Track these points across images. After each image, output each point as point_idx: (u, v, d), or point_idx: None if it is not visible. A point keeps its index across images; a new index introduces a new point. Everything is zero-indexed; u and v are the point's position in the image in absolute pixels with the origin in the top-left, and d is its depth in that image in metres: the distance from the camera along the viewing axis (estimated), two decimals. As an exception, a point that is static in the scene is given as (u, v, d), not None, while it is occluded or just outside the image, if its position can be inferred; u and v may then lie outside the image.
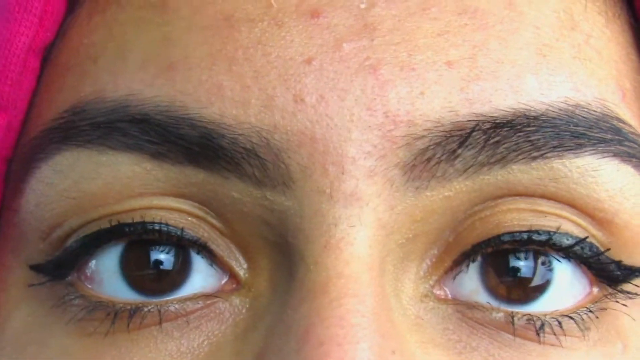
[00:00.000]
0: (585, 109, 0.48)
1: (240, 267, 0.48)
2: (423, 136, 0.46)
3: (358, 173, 0.46)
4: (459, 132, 0.46)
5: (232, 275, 0.48)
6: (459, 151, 0.46)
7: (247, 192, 0.47)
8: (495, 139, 0.46)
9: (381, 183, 0.46)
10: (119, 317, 0.48)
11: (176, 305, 0.48)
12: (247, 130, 0.46)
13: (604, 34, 0.50)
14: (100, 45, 0.49)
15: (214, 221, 0.48)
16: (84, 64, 0.49)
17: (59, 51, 0.51)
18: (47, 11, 0.50)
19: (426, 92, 0.46)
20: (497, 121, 0.46)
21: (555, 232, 0.48)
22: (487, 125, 0.46)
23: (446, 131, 0.46)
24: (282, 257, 0.47)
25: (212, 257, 0.48)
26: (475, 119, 0.46)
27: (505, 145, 0.47)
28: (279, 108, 0.46)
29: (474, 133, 0.46)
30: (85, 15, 0.51)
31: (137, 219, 0.48)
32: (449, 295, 0.48)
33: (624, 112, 0.49)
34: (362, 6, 0.48)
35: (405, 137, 0.46)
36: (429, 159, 0.46)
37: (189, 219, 0.48)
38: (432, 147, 0.46)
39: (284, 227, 0.47)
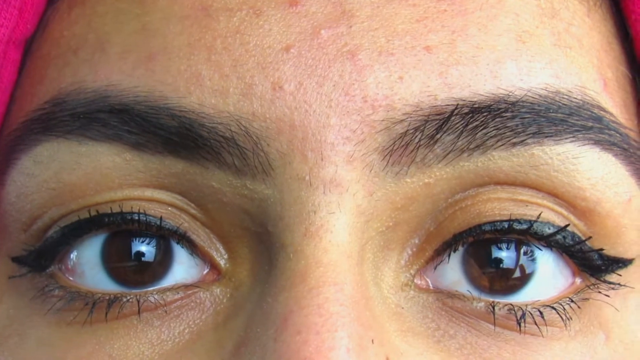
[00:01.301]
0: (565, 96, 0.48)
1: (221, 257, 0.48)
2: (402, 120, 0.46)
3: (337, 159, 0.46)
4: (438, 117, 0.46)
5: (213, 266, 0.48)
6: (438, 136, 0.46)
7: (226, 182, 0.47)
8: (474, 124, 0.46)
9: (360, 168, 0.46)
10: (97, 307, 0.48)
11: (155, 296, 0.48)
12: (226, 119, 0.46)
13: (585, 22, 0.50)
14: (81, 37, 0.49)
15: (194, 211, 0.48)
16: (65, 56, 0.49)
17: (40, 43, 0.51)
18: (27, 3, 0.51)
19: (405, 77, 0.46)
20: (476, 106, 0.46)
21: (535, 221, 0.48)
22: (466, 110, 0.46)
23: (425, 115, 0.46)
24: (262, 246, 0.47)
25: (193, 247, 0.48)
26: (454, 103, 0.46)
27: (484, 131, 0.46)
28: (257, 96, 0.46)
29: (453, 117, 0.46)
30: (66, 7, 0.51)
31: (116, 210, 0.48)
32: (430, 286, 0.48)
33: (605, 100, 0.49)
34: None
35: (384, 122, 0.46)
36: (407, 144, 0.46)
37: (169, 209, 0.48)
38: (411, 131, 0.46)
39: (264, 215, 0.47)
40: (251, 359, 0.45)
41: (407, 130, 0.46)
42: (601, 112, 0.49)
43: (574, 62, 0.49)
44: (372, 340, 0.45)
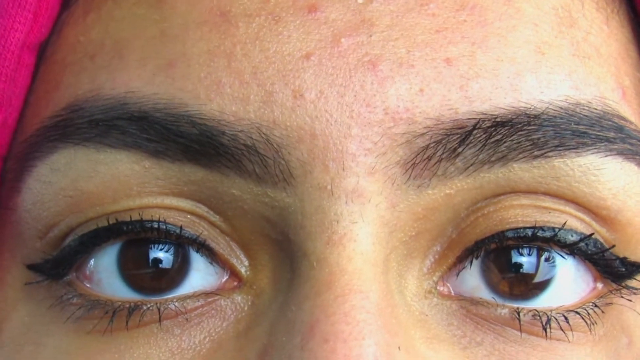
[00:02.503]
0: (585, 107, 0.48)
1: (242, 265, 0.48)
2: (423, 134, 0.46)
3: (359, 170, 0.46)
4: (460, 130, 0.46)
5: (233, 273, 0.48)
6: (460, 149, 0.46)
7: (247, 189, 0.47)
8: (496, 138, 0.46)
9: (382, 181, 0.46)
10: (118, 315, 0.47)
11: (176, 304, 0.47)
12: (247, 126, 0.46)
13: (603, 30, 0.50)
14: (97, 42, 0.49)
15: (213, 219, 0.48)
16: (81, 61, 0.49)
17: (55, 48, 0.51)
18: (42, 7, 0.50)
19: (425, 90, 0.46)
20: (498, 119, 0.46)
21: (560, 229, 0.48)
22: (488, 124, 0.46)
23: (446, 129, 0.46)
24: (283, 254, 0.47)
25: (212, 255, 0.48)
26: (476, 117, 0.46)
27: (506, 144, 0.46)
28: (278, 104, 0.46)
29: (475, 131, 0.46)
30: (81, 12, 0.50)
31: (135, 217, 0.47)
32: (452, 292, 0.48)
33: (624, 109, 0.49)
34: (360, 1, 0.47)
35: (405, 135, 0.46)
36: (429, 157, 0.46)
37: (188, 216, 0.48)
38: (432, 145, 0.46)
39: (285, 223, 0.46)
40: None
41: (429, 144, 0.46)
42: (622, 121, 0.49)
43: (592, 72, 0.49)
44: (399, 348, 0.45)
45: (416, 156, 0.46)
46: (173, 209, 0.48)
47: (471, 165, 0.47)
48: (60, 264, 0.49)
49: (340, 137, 0.46)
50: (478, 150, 0.46)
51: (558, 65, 0.48)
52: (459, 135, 0.46)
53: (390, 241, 0.46)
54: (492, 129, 0.46)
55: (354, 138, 0.46)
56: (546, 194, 0.48)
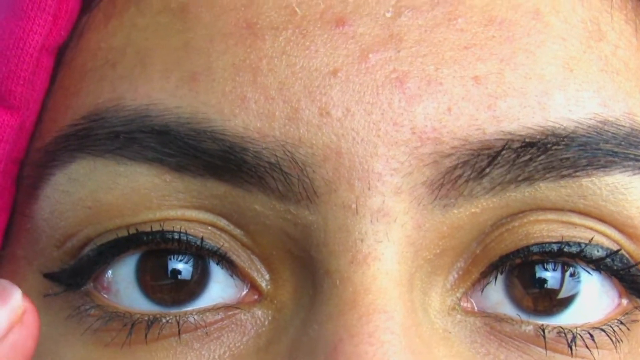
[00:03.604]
0: (614, 125, 0.47)
1: (262, 279, 0.47)
2: (450, 154, 0.45)
3: (384, 189, 0.45)
4: (487, 151, 0.45)
5: (254, 287, 0.48)
6: (488, 170, 0.46)
7: (270, 206, 0.46)
8: (525, 158, 0.46)
9: (408, 201, 0.45)
10: (136, 328, 0.47)
11: (195, 317, 0.47)
12: (272, 143, 0.45)
13: (632, 43, 0.50)
14: (119, 50, 0.48)
15: (235, 232, 0.47)
16: (102, 69, 0.48)
17: (75, 53, 0.50)
18: (62, 9, 0.49)
19: (453, 109, 0.45)
20: (527, 140, 0.45)
21: (587, 244, 0.47)
22: (517, 145, 0.45)
23: (474, 149, 0.45)
24: (306, 270, 0.46)
25: (233, 268, 0.47)
26: (504, 137, 0.45)
27: (534, 164, 0.46)
28: (304, 121, 0.45)
29: (504, 152, 0.45)
30: (102, 18, 0.49)
31: (156, 228, 0.47)
32: (475, 308, 0.48)
33: None
34: (388, 15, 0.47)
35: (432, 155, 0.45)
36: (456, 178, 0.45)
37: (209, 228, 0.47)
38: (460, 165, 0.45)
39: (307, 241, 0.46)
40: None
41: (456, 165, 0.45)
42: None
43: (621, 87, 0.48)
44: None
45: (443, 177, 0.45)
46: (194, 221, 0.47)
47: (498, 184, 0.46)
48: (78, 273, 0.48)
49: (367, 156, 0.45)
50: (506, 170, 0.46)
51: (586, 82, 0.47)
52: (487, 156, 0.45)
53: (416, 260, 0.46)
54: (521, 150, 0.46)
55: (380, 157, 0.45)
56: (572, 211, 0.47)
